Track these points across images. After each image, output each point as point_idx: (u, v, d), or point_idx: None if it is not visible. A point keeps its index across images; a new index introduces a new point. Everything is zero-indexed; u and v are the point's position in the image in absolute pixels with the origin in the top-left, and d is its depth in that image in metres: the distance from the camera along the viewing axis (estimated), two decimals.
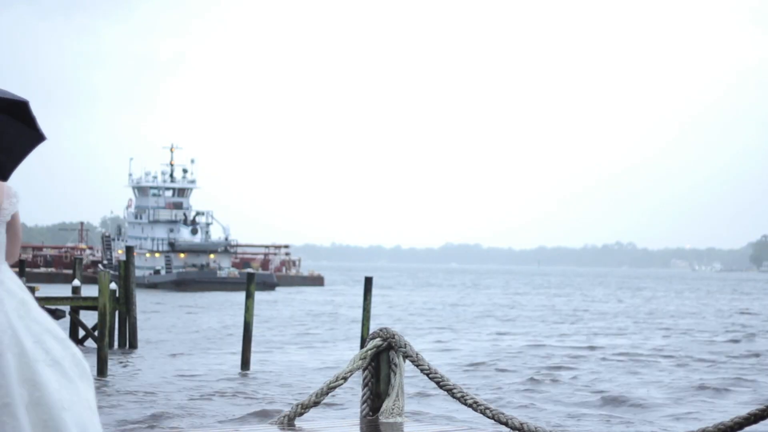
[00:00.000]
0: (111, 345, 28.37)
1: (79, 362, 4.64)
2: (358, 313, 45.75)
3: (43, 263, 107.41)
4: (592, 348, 31.76)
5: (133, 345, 30.14)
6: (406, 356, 8.53)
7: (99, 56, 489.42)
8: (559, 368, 25.41)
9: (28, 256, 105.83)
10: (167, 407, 18.68)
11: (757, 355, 29.72)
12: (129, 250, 32.54)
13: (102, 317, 24.09)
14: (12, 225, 4.88)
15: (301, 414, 8.35)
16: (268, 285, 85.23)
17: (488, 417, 8.04)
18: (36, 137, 5.16)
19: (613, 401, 19.62)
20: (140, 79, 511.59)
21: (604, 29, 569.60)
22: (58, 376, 4.61)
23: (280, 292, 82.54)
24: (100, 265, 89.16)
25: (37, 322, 4.69)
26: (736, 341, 35.49)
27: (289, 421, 8.35)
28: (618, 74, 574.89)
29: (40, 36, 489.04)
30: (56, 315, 31.84)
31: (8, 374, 4.52)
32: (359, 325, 25.22)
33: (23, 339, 4.60)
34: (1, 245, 4.78)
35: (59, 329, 4.67)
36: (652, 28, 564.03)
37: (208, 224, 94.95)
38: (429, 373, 8.45)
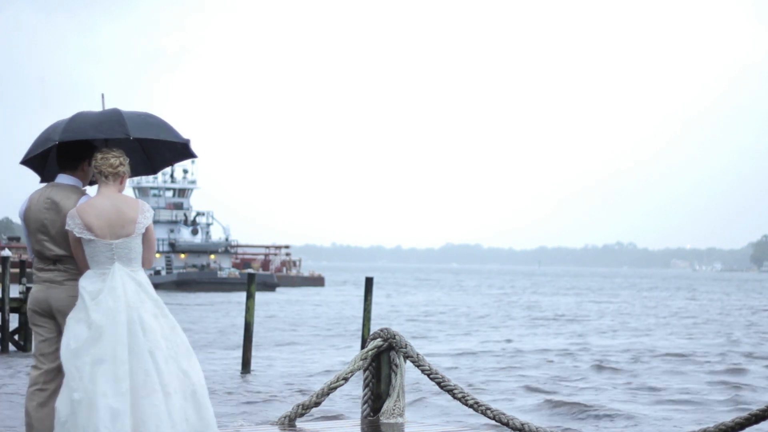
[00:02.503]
0: None
1: (192, 353, 5.98)
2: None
3: None
4: None
5: None
6: (406, 357, 8.52)
7: (97, 52, 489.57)
8: None
9: (28, 257, 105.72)
10: None
11: None
12: None
13: None
14: (146, 236, 6.03)
15: (301, 414, 8.35)
16: (269, 285, 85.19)
17: (489, 418, 8.04)
18: (149, 169, 6.63)
19: None
20: (139, 78, 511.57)
21: (604, 30, 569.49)
22: (181, 365, 5.88)
23: (281, 293, 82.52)
24: None
25: (168, 320, 5.96)
26: None
27: (290, 421, 8.35)
28: (618, 74, 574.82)
29: (39, 32, 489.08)
30: None
31: (150, 366, 5.74)
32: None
33: (158, 335, 5.85)
34: (139, 253, 5.99)
35: (178, 326, 5.99)
36: (651, 28, 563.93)
37: (208, 225, 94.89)
38: (430, 373, 8.44)
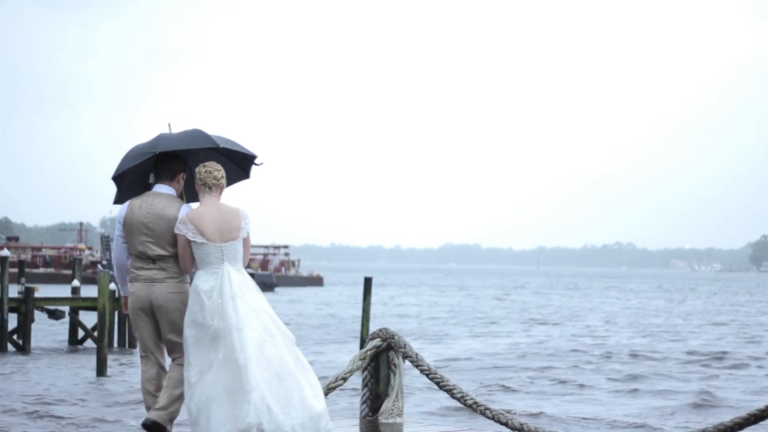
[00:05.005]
0: (110, 345, 28.36)
1: (291, 343, 6.78)
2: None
3: (42, 264, 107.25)
4: None
5: (133, 345, 30.13)
6: (405, 357, 8.52)
7: (95, 49, 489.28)
8: None
9: (27, 256, 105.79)
10: None
11: None
12: None
13: (101, 317, 24.08)
14: (246, 240, 6.90)
15: None
16: (268, 285, 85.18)
17: (488, 417, 8.03)
18: (241, 176, 7.40)
19: None
20: (137, 74, 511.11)
21: (603, 30, 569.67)
22: (278, 351, 6.65)
23: (280, 293, 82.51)
24: (99, 266, 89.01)
25: (266, 312, 6.77)
26: None
27: None
28: (617, 74, 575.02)
29: (34, 28, 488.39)
30: (56, 315, 31.82)
31: (248, 346, 6.57)
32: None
33: (255, 324, 6.65)
34: (241, 254, 6.85)
35: (277, 317, 6.80)
36: (650, 28, 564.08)
37: None
38: (429, 373, 8.43)
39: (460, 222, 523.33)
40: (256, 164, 7.31)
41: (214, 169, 6.90)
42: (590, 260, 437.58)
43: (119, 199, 7.22)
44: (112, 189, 7.25)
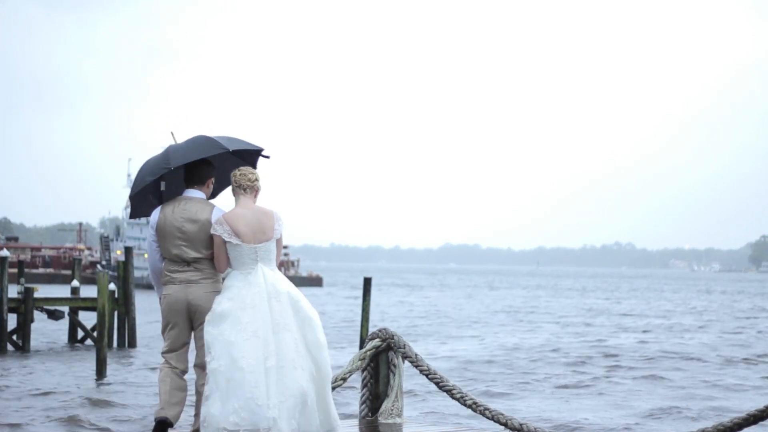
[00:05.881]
0: (110, 345, 28.36)
1: (320, 343, 7.01)
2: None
3: (41, 264, 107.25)
4: None
5: (132, 345, 30.13)
6: (405, 357, 8.51)
7: (93, 49, 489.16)
8: None
9: (26, 256, 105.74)
10: None
11: None
12: (128, 250, 32.51)
13: (101, 318, 24.07)
14: (278, 241, 7.12)
15: None
16: None
17: (488, 418, 8.03)
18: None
19: None
20: (135, 73, 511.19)
21: (603, 30, 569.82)
22: (308, 355, 6.91)
23: None
24: (98, 266, 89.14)
25: (302, 309, 6.98)
26: None
27: None
28: (617, 74, 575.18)
29: (33, 28, 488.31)
30: (55, 315, 31.81)
31: (285, 346, 6.83)
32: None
33: (291, 322, 6.92)
34: (275, 254, 7.09)
35: (314, 312, 7.02)
36: (650, 28, 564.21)
37: None
38: (428, 373, 8.43)
39: (459, 222, 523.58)
40: (263, 156, 7.45)
41: (249, 172, 7.15)
42: (590, 260, 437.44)
43: (135, 213, 7.50)
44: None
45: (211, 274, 7.17)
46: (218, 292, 7.10)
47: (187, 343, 7.25)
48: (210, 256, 7.14)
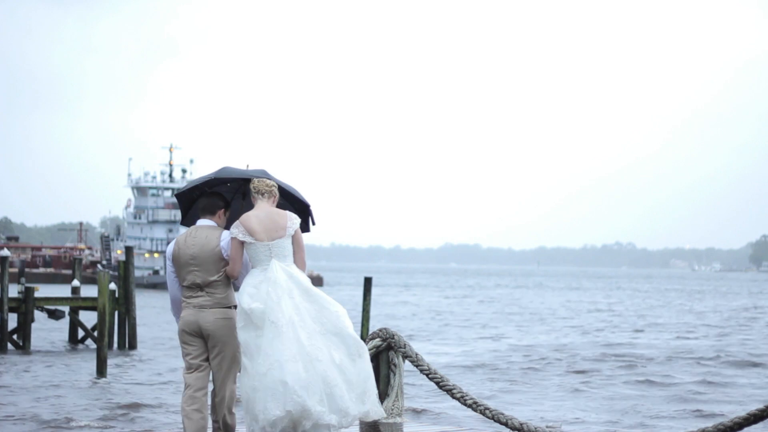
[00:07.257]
0: (110, 345, 28.35)
1: (345, 328, 7.37)
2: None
3: (42, 263, 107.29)
4: None
5: (133, 345, 30.11)
6: (405, 356, 8.51)
7: (91, 46, 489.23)
8: None
9: (27, 256, 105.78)
10: (167, 407, 18.70)
11: None
12: (128, 250, 32.49)
13: (101, 317, 24.07)
14: (295, 238, 7.54)
15: None
16: None
17: (488, 417, 8.03)
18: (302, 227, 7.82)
19: None
20: (133, 71, 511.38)
21: (602, 29, 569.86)
22: (329, 344, 7.28)
23: None
24: (99, 266, 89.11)
25: (316, 305, 7.33)
26: None
27: None
28: (616, 73, 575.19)
29: (32, 25, 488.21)
30: (56, 315, 31.82)
31: (298, 342, 7.16)
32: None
33: (306, 318, 7.29)
34: (290, 251, 7.47)
35: (333, 302, 7.34)
36: (649, 26, 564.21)
37: None
38: (429, 373, 8.43)
39: (460, 222, 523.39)
40: (311, 217, 7.93)
41: (266, 179, 7.64)
42: (590, 260, 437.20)
43: (182, 215, 8.06)
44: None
45: (222, 299, 7.58)
46: (231, 318, 7.54)
47: (204, 365, 7.61)
48: (223, 278, 7.58)
